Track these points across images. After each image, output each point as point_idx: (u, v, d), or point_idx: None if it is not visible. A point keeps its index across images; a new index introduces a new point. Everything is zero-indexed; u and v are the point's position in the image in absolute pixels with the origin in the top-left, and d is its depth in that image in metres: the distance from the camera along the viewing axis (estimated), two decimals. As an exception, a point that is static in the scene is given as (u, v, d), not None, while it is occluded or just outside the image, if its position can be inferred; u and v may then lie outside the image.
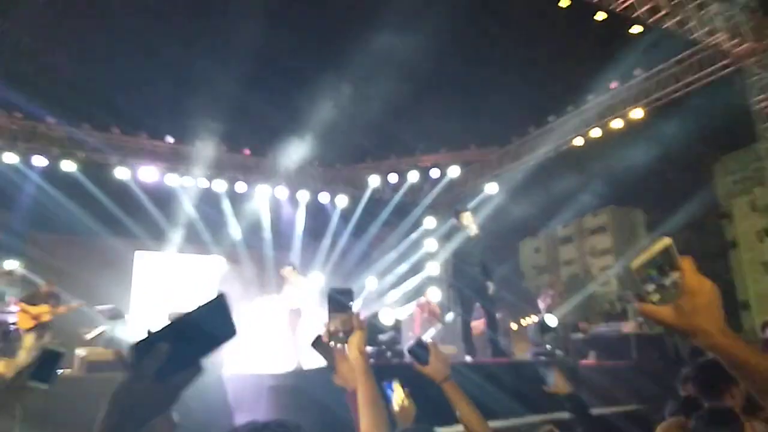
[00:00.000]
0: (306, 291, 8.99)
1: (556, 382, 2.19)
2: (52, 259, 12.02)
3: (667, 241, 0.93)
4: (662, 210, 38.01)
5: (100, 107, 12.79)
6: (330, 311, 1.69)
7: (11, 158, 12.23)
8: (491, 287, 7.00)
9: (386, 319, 6.27)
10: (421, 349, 1.83)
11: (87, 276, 11.99)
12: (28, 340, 8.70)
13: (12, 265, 12.56)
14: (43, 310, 8.88)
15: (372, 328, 6.20)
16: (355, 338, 1.62)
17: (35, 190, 12.56)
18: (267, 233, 14.79)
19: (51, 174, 12.61)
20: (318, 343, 1.70)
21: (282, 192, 14.88)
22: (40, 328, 8.90)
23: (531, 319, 10.81)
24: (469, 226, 6.99)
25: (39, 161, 12.50)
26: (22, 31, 12.21)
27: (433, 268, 16.43)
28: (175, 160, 13.72)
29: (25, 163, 12.46)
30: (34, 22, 12.16)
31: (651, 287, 0.94)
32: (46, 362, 1.60)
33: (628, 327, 10.20)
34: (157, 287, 12.85)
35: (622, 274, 36.78)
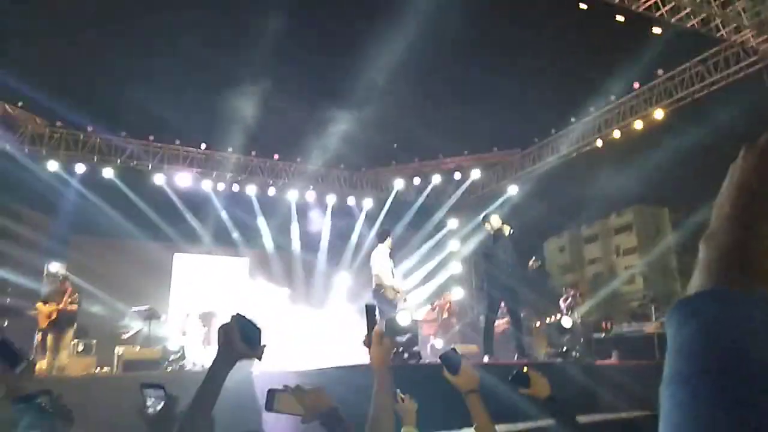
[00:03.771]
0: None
1: (533, 383, 2.04)
2: (93, 262, 12.63)
3: None
4: (688, 208, 37.47)
5: (136, 115, 13.35)
6: (368, 324, 1.80)
7: (53, 166, 12.88)
8: (537, 263, 7.35)
9: (404, 320, 6.40)
10: (454, 358, 1.87)
11: (127, 278, 12.58)
12: (49, 339, 8.71)
13: (56, 267, 13.21)
14: (52, 309, 8.87)
15: (390, 331, 6.31)
16: (377, 352, 1.68)
17: (76, 196, 13.19)
18: (296, 235, 15.26)
19: (91, 180, 13.23)
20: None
21: (310, 195, 15.35)
22: (55, 325, 8.84)
23: (552, 319, 10.98)
24: (500, 227, 7.25)
25: (80, 168, 13.13)
26: (61, 46, 12.84)
27: (456, 268, 16.70)
28: (209, 166, 14.25)
29: (67, 170, 13.10)
30: (72, 38, 12.76)
31: None
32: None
33: (650, 327, 10.28)
34: (193, 288, 13.38)
35: (648, 273, 36.39)
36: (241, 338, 1.37)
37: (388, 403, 1.60)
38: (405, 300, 7.50)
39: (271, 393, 1.50)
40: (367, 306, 1.83)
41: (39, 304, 9.08)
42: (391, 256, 7.72)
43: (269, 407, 1.49)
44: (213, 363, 1.40)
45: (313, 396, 1.53)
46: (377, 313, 1.83)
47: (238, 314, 1.42)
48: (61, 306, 8.96)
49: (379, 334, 1.68)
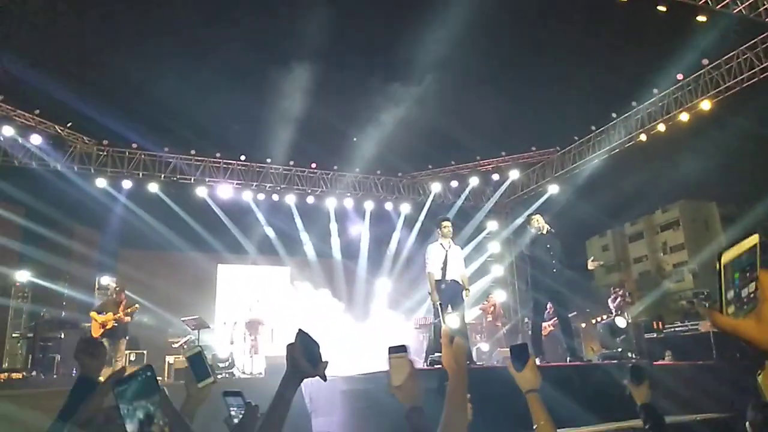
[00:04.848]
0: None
1: (641, 389, 2.16)
2: (141, 274, 13.03)
3: (754, 238, 0.86)
4: (739, 202, 35.91)
5: (177, 132, 13.65)
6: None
7: (102, 183, 13.36)
8: (598, 263, 7.16)
9: (452, 323, 6.26)
10: (523, 354, 1.90)
11: (173, 289, 12.91)
12: None
13: (107, 280, 13.71)
14: (108, 318, 9.18)
15: (438, 334, 6.17)
16: (446, 353, 1.66)
17: (124, 211, 13.64)
18: (335, 242, 15.37)
19: (137, 195, 13.67)
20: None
21: (348, 202, 15.44)
22: (109, 335, 9.12)
23: (600, 319, 10.67)
24: (541, 226, 7.11)
25: (126, 184, 13.57)
26: (105, 69, 13.25)
27: (498, 271, 16.47)
28: (248, 177, 14.51)
29: (114, 186, 13.56)
30: (114, 62, 13.15)
31: (731, 294, 0.87)
32: (195, 363, 1.86)
33: (706, 325, 9.87)
34: (238, 297, 13.62)
35: (698, 270, 34.98)
36: (304, 356, 1.43)
37: (462, 404, 1.58)
38: (467, 292, 7.14)
39: (395, 348, 1.55)
40: (434, 305, 1.88)
41: (93, 314, 9.42)
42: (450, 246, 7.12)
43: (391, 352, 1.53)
44: (281, 383, 1.46)
45: (412, 384, 1.55)
46: (441, 312, 1.81)
47: (300, 331, 1.46)
48: (117, 315, 9.28)
49: (446, 336, 1.66)
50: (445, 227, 7.17)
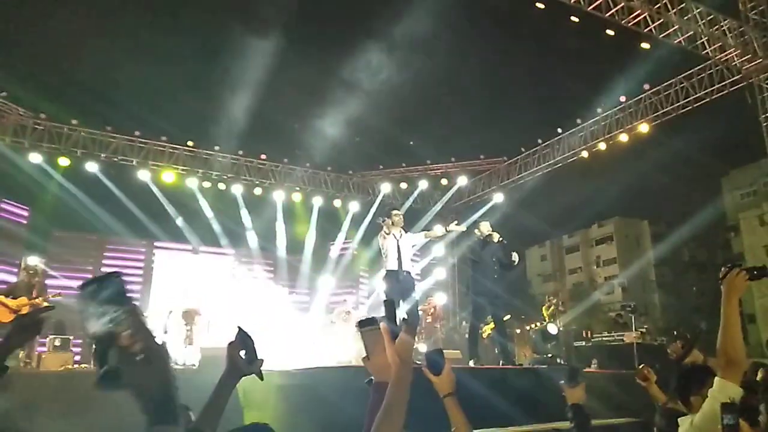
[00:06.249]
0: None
1: (576, 390, 2.18)
2: (73, 256, 12.42)
3: None
4: (668, 222, 38.12)
5: (122, 111, 13.16)
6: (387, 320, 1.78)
7: (36, 158, 12.62)
8: (516, 258, 7.23)
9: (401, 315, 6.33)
10: (439, 359, 1.91)
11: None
12: None
13: (34, 260, 12.94)
14: (22, 303, 8.36)
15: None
16: (389, 349, 1.63)
17: (59, 189, 12.94)
18: (281, 236, 15.17)
19: (74, 174, 12.98)
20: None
21: (296, 196, 15.29)
22: None
23: (534, 326, 11.07)
24: (490, 233, 7.31)
25: (63, 162, 12.89)
26: (48, 38, 12.64)
27: (440, 273, 16.74)
28: (194, 164, 14.11)
29: (50, 163, 12.85)
30: (59, 30, 12.58)
31: None
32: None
33: (630, 337, 10.44)
34: (175, 285, 13.21)
35: (627, 284, 36.88)
36: (242, 354, 1.49)
37: (401, 398, 1.57)
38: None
39: (366, 322, 1.59)
40: (384, 302, 1.88)
41: (0, 297, 8.35)
42: (401, 235, 7.05)
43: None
44: (221, 379, 1.52)
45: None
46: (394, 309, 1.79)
47: (239, 329, 1.50)
48: (33, 300, 8.61)
49: (387, 332, 1.64)
50: (395, 215, 7.07)
